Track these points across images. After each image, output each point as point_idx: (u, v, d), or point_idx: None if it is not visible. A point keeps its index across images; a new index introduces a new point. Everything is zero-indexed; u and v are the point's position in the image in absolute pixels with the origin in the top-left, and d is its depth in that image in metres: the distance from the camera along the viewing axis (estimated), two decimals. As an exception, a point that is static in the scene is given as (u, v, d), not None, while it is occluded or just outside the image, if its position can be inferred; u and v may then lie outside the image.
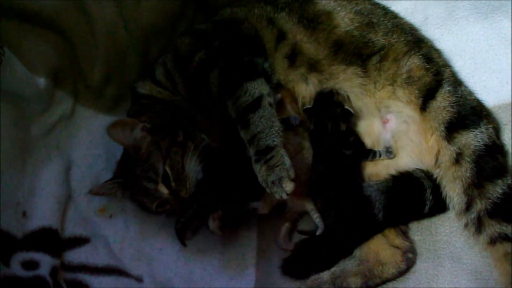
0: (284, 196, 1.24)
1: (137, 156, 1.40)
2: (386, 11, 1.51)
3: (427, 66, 1.40)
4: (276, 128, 1.29)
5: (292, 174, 1.24)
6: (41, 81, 1.42)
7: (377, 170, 1.44)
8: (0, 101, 1.33)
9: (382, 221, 1.34)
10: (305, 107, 1.46)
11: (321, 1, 1.49)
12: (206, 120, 1.48)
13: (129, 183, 1.43)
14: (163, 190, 1.39)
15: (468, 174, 1.28)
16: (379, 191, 1.35)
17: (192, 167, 1.40)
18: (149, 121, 1.41)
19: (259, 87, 1.33)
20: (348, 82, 1.44)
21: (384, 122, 1.45)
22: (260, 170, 1.27)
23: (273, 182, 1.24)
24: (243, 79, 1.33)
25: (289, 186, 1.23)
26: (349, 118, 1.43)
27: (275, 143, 1.27)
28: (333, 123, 1.42)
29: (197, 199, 1.40)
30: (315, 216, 1.41)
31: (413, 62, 1.41)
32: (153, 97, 1.50)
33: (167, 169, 1.38)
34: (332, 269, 1.37)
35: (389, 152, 1.43)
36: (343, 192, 1.38)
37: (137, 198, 1.46)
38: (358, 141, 1.44)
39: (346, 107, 1.42)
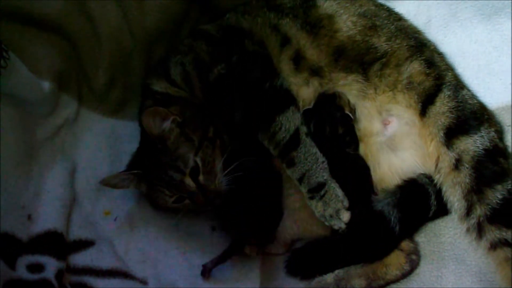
0: (343, 226, 1.30)
1: (163, 146, 1.37)
2: (390, 13, 1.52)
3: (428, 71, 1.41)
4: (321, 161, 1.34)
5: (346, 203, 1.30)
6: (46, 85, 1.42)
7: (381, 174, 1.44)
8: (5, 105, 1.33)
9: (399, 234, 1.35)
10: (304, 108, 1.46)
11: (323, 4, 1.49)
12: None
13: (149, 173, 1.40)
14: (189, 182, 1.37)
15: (467, 180, 1.28)
16: (390, 205, 1.35)
17: (219, 165, 1.39)
18: (180, 115, 1.39)
19: (291, 118, 1.35)
20: (347, 87, 1.45)
21: (386, 123, 1.46)
22: (316, 206, 1.32)
23: (331, 216, 1.29)
24: (274, 113, 1.35)
25: (346, 216, 1.30)
26: (348, 122, 1.44)
27: (325, 178, 1.32)
28: (331, 126, 1.43)
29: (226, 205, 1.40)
30: None
31: (414, 68, 1.41)
32: (170, 95, 1.47)
33: (198, 161, 1.36)
34: (336, 271, 1.38)
35: None
36: (356, 194, 1.38)
37: (153, 191, 1.42)
38: (353, 139, 1.46)
39: (346, 111, 1.42)
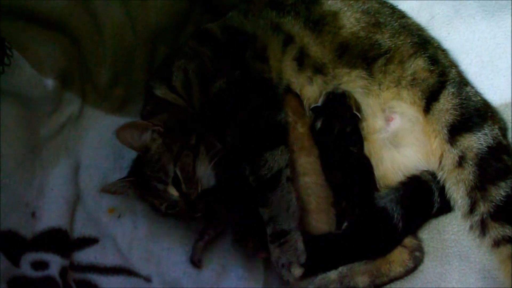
0: (291, 280, 1.28)
1: (146, 157, 1.40)
2: (393, 10, 1.51)
3: (432, 68, 1.40)
4: (293, 210, 1.30)
5: (302, 259, 1.27)
6: (49, 83, 1.41)
7: (384, 170, 1.44)
8: (8, 103, 1.33)
9: (402, 231, 1.35)
10: (312, 106, 1.46)
11: (327, 1, 1.48)
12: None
13: (140, 182, 1.43)
14: (173, 192, 1.39)
15: (471, 177, 1.28)
16: (393, 201, 1.36)
17: (204, 171, 1.40)
18: (162, 125, 1.40)
19: (278, 159, 1.31)
20: (351, 84, 1.45)
21: (389, 120, 1.45)
22: (273, 251, 1.29)
23: (283, 265, 1.27)
24: (263, 148, 1.32)
25: (297, 272, 1.27)
26: (355, 121, 1.44)
27: (290, 227, 1.29)
28: (340, 125, 1.43)
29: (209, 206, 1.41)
30: None
31: (418, 64, 1.41)
32: (168, 101, 1.48)
33: (177, 171, 1.37)
34: (340, 268, 1.37)
35: None
36: (359, 192, 1.39)
37: (147, 198, 1.47)
38: (359, 138, 1.45)
39: (354, 111, 1.42)
